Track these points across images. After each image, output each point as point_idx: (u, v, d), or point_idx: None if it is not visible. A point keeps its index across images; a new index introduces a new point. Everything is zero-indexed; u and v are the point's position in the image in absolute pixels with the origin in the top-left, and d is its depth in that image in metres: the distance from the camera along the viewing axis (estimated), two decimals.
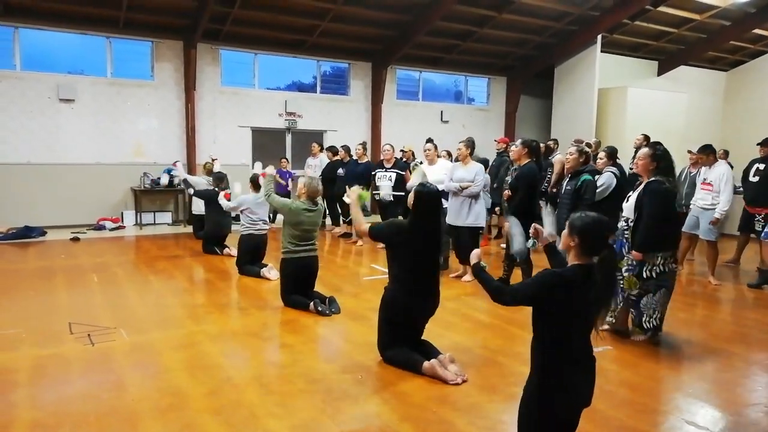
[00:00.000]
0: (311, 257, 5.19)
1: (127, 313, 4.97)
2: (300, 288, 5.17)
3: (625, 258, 4.22)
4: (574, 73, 12.66)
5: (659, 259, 4.10)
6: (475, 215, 6.15)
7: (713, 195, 6.44)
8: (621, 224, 4.30)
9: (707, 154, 6.57)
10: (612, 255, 2.44)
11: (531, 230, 2.68)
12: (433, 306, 3.81)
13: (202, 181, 8.34)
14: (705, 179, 6.58)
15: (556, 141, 9.15)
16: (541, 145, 7.31)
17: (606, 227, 2.38)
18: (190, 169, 10.74)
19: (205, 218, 7.97)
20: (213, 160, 8.77)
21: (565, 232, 2.38)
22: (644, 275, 4.15)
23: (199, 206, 8.44)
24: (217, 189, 7.75)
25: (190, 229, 9.60)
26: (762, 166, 6.90)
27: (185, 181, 8.70)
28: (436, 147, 7.01)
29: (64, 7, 9.28)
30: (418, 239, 3.67)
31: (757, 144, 7.20)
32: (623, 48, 13.18)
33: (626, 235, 4.24)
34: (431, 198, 3.70)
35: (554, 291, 2.26)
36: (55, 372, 3.66)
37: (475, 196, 6.13)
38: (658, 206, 4.07)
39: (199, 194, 8.08)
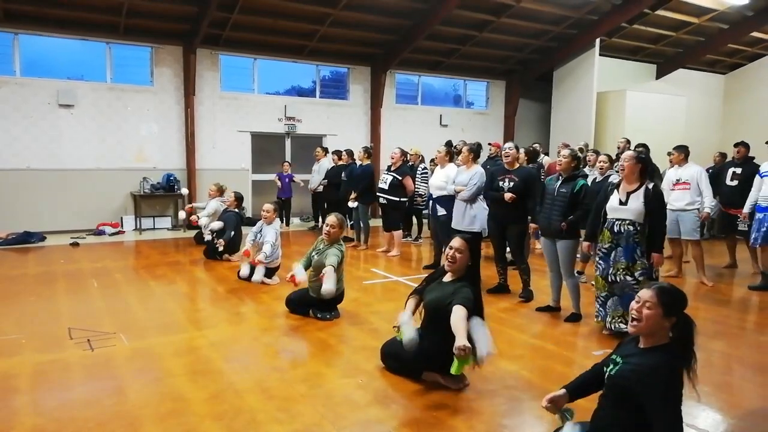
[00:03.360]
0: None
1: (127, 319, 4.97)
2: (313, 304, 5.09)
3: (639, 262, 4.28)
4: (573, 77, 12.70)
5: None
6: (470, 219, 6.09)
7: (691, 194, 6.44)
8: (627, 228, 4.31)
9: (681, 152, 6.58)
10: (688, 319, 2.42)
11: (546, 404, 2.54)
12: None
13: (217, 208, 8.04)
14: (679, 179, 6.53)
15: (540, 144, 9.23)
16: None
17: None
18: (189, 172, 10.77)
19: (216, 234, 7.63)
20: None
21: (656, 312, 2.32)
22: (653, 276, 4.39)
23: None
24: (237, 210, 7.68)
25: (189, 234, 9.59)
26: (738, 170, 7.17)
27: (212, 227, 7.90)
28: (449, 151, 6.96)
29: (64, 13, 9.30)
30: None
31: (734, 145, 7.44)
32: (622, 51, 13.23)
33: (637, 239, 4.27)
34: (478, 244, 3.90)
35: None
36: (56, 378, 3.66)
37: (471, 201, 6.11)
38: (663, 209, 4.39)
39: (225, 224, 7.51)
